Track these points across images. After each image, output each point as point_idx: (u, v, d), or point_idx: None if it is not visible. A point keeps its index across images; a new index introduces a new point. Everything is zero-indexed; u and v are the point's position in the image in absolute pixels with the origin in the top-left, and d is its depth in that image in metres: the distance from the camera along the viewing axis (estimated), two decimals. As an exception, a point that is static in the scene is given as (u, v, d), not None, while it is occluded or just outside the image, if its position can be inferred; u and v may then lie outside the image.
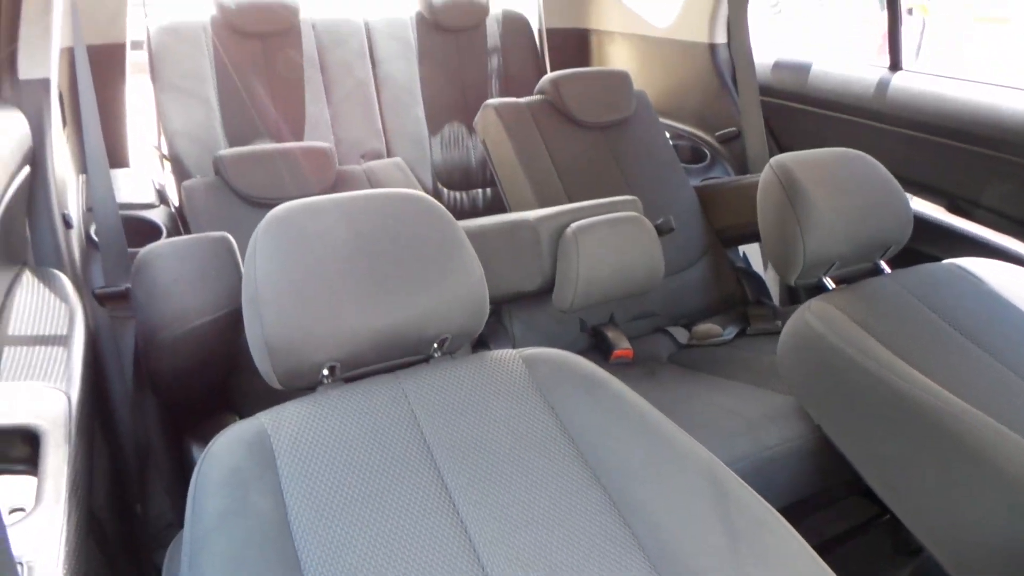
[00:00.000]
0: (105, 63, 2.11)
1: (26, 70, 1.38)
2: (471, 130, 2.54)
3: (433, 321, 0.88)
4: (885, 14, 1.97)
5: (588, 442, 0.83)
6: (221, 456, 0.77)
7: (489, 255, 1.51)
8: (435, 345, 0.91)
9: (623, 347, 1.64)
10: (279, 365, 0.81)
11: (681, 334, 1.80)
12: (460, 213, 2.53)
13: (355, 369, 0.87)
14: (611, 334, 1.67)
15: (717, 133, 2.40)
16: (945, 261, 1.39)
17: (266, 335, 0.80)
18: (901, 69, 1.95)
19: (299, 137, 2.27)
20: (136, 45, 2.24)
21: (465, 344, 0.98)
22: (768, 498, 0.79)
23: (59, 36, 1.47)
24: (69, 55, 1.63)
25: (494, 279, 1.44)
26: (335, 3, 2.54)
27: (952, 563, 1.00)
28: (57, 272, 1.14)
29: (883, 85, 1.94)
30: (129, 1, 2.13)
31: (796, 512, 0.89)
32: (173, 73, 2.11)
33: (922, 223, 1.67)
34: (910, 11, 7.59)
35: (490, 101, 1.99)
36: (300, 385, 0.85)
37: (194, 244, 1.15)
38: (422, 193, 0.96)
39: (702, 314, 1.89)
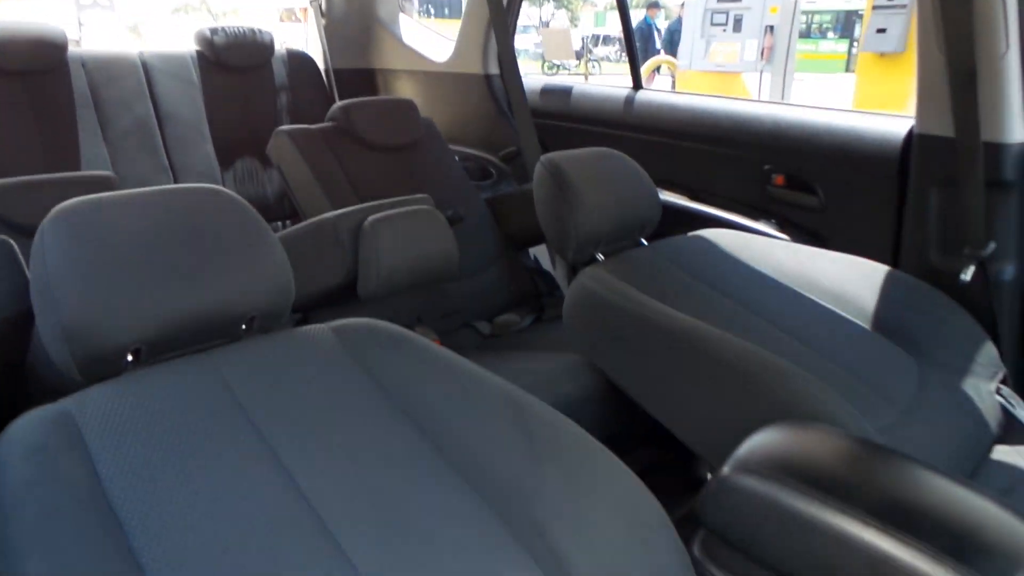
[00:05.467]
0: None
1: None
2: (265, 164, 2.55)
3: (238, 301, 0.89)
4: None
5: (402, 393, 0.90)
6: (21, 435, 0.74)
7: (294, 260, 1.55)
8: (243, 326, 0.91)
9: (432, 339, 1.74)
10: (78, 351, 0.78)
11: (484, 326, 1.95)
12: (260, 246, 2.51)
13: (162, 354, 0.86)
14: (420, 330, 1.77)
15: (500, 153, 2.63)
16: (690, 233, 1.67)
17: (62, 319, 0.77)
18: (641, 87, 2.31)
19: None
20: None
21: (276, 325, 1.00)
22: None
23: None
24: None
25: (300, 281, 1.48)
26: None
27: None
28: None
29: (629, 101, 2.28)
30: None
31: None
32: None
33: (671, 210, 1.98)
34: (658, 69, 8.74)
35: (282, 128, 2.04)
36: (103, 373, 0.82)
37: None
38: (221, 187, 0.97)
39: (502, 309, 2.06)
